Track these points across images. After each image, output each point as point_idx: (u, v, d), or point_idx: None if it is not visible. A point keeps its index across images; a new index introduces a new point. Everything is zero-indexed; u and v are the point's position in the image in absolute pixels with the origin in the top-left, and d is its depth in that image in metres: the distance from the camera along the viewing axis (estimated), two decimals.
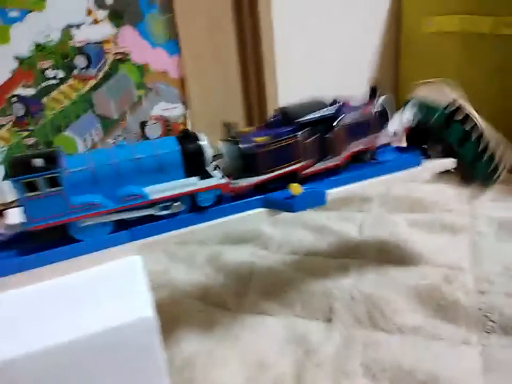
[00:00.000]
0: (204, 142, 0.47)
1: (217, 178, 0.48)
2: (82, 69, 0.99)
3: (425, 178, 0.58)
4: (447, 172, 0.61)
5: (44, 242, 0.43)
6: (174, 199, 0.46)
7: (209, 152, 0.47)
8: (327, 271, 0.71)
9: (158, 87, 1.10)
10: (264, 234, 0.83)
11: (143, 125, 1.08)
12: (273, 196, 0.49)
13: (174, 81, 1.12)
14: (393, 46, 1.40)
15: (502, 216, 0.82)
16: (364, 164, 0.57)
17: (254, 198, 0.50)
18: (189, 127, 1.13)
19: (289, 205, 0.48)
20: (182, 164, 0.46)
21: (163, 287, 0.69)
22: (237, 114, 1.21)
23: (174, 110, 1.12)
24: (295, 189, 0.48)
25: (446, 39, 1.21)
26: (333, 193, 0.53)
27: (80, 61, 0.99)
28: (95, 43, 0.99)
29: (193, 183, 0.47)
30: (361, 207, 0.90)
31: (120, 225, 0.45)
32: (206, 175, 0.47)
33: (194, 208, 0.48)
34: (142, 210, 0.45)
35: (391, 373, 0.54)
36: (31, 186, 0.40)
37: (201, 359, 0.56)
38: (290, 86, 1.25)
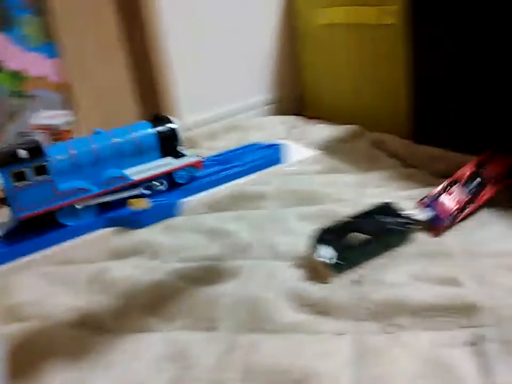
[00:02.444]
0: (176, 124, 0.52)
1: (190, 157, 0.52)
2: None
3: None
4: None
5: (34, 230, 0.45)
6: (154, 178, 0.49)
7: (181, 134, 0.52)
8: (216, 276, 0.70)
9: (38, 94, 1.03)
10: (154, 243, 0.80)
11: (22, 135, 1.00)
12: (118, 213, 0.47)
13: (56, 87, 1.05)
14: (292, 38, 1.42)
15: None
16: (224, 166, 0.57)
17: (98, 217, 0.47)
18: (79, 134, 1.07)
19: (135, 221, 0.46)
20: (158, 146, 0.50)
21: (35, 317, 0.64)
22: (132, 118, 1.16)
23: (58, 118, 1.05)
24: (139, 203, 0.46)
25: (336, 30, 1.25)
26: (192, 200, 0.52)
27: None
28: None
29: (170, 163, 0.51)
30: (255, 204, 0.91)
31: (103, 209, 0.48)
32: (179, 155, 0.52)
33: (173, 186, 0.51)
34: (126, 192, 0.48)
35: (268, 375, 0.54)
36: (20, 176, 0.42)
37: None
38: (187, 86, 1.22)
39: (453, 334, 0.57)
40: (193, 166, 0.52)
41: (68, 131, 1.05)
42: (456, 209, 0.75)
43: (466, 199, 0.76)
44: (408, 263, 0.70)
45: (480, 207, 0.79)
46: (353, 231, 0.69)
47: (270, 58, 1.41)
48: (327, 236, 0.68)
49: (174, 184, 0.51)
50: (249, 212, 0.88)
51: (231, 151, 0.62)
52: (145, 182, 0.49)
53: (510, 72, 0.81)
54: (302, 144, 1.16)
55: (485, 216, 0.79)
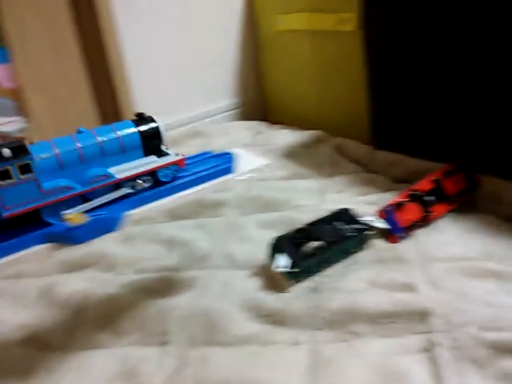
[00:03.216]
0: (158, 124, 0.53)
1: (173, 156, 0.53)
2: None
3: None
4: None
5: (19, 229, 0.45)
6: (138, 177, 0.50)
7: (164, 133, 0.53)
8: (172, 288, 0.68)
9: None
10: (109, 255, 0.78)
11: None
12: (54, 229, 0.45)
13: (8, 92, 1.01)
14: (255, 43, 1.41)
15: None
16: (172, 178, 0.55)
17: (33, 233, 0.45)
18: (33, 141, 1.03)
19: (71, 237, 0.45)
20: (141, 145, 0.51)
21: None
22: (89, 123, 1.13)
23: (10, 124, 1.01)
24: (76, 218, 0.44)
25: (296, 37, 1.25)
26: (135, 213, 0.50)
27: None
28: None
29: (153, 161, 0.52)
30: (215, 212, 0.89)
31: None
32: (163, 154, 0.53)
33: (156, 185, 0.52)
34: (112, 194, 0.49)
35: None
36: (4, 175, 0.42)
37: None
38: (148, 92, 1.20)
39: (406, 341, 0.57)
40: (176, 164, 0.53)
41: (21, 138, 1.02)
42: (413, 220, 0.76)
43: (423, 212, 0.77)
44: (364, 269, 0.70)
45: (436, 219, 0.80)
46: (310, 238, 0.69)
47: (233, 63, 1.40)
48: (283, 244, 0.68)
49: (158, 182, 0.53)
50: (209, 219, 0.87)
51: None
52: (129, 181, 0.50)
53: (466, 79, 0.82)
54: (265, 150, 1.16)
55: (440, 221, 0.80)
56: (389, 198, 0.81)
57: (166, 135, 0.54)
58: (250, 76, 1.43)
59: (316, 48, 1.20)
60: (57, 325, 0.63)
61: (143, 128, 0.51)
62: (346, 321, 0.60)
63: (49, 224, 0.47)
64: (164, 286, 0.69)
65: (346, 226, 0.72)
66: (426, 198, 0.78)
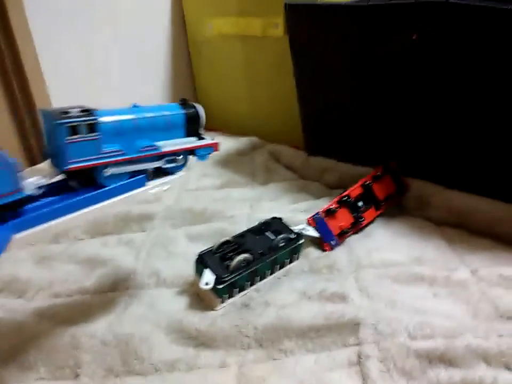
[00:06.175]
0: (200, 109, 0.59)
1: (209, 139, 0.59)
2: None
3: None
4: None
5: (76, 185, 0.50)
6: (177, 153, 0.56)
7: (204, 118, 0.59)
8: (87, 313, 0.62)
9: None
10: (21, 279, 0.70)
11: None
12: None
13: None
14: (185, 47, 1.37)
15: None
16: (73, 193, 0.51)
17: None
18: None
19: None
20: (184, 125, 0.57)
21: None
22: (6, 131, 1.03)
23: None
24: None
25: (227, 41, 1.22)
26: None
27: None
28: None
29: (193, 141, 0.58)
30: (142, 226, 0.84)
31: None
32: (200, 137, 0.59)
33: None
34: (152, 163, 0.54)
35: None
36: (74, 131, 0.46)
37: None
38: (73, 96, 1.12)
39: (337, 355, 0.55)
40: (211, 147, 0.59)
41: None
42: (344, 227, 0.75)
43: (354, 218, 0.76)
44: (296, 280, 0.68)
45: (367, 224, 0.80)
46: (239, 251, 0.65)
47: (164, 66, 1.35)
48: (209, 258, 0.64)
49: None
50: (135, 235, 0.81)
51: None
52: (170, 155, 0.55)
53: (387, 85, 0.83)
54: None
55: (370, 226, 0.80)
56: (322, 204, 0.80)
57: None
58: (182, 80, 1.39)
59: (246, 54, 1.18)
60: None
61: (187, 111, 0.57)
62: (276, 338, 0.57)
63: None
64: (79, 311, 0.62)
65: (278, 237, 0.69)
66: (356, 203, 0.78)
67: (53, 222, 0.48)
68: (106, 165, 0.50)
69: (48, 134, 0.49)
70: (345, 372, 0.53)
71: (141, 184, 0.53)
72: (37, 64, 1.02)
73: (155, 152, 0.54)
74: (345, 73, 0.88)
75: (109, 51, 1.20)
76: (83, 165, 0.48)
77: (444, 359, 0.52)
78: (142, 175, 0.54)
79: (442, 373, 0.50)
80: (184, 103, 0.58)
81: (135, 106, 0.56)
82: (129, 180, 0.53)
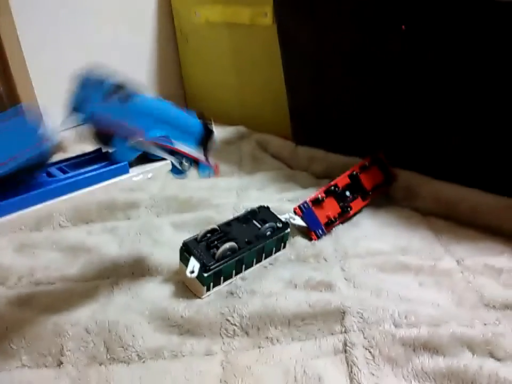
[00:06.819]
0: (213, 126, 0.61)
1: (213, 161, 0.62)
2: None
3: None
4: None
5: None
6: (185, 157, 0.58)
7: (215, 137, 0.61)
8: (68, 301, 0.61)
9: None
10: (1, 265, 0.69)
11: None
12: None
13: None
14: (173, 36, 1.34)
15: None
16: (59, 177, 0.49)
17: None
18: None
19: None
20: (198, 135, 0.60)
21: None
22: None
23: None
24: None
25: (215, 30, 1.20)
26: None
27: None
28: None
29: (201, 155, 0.60)
30: (127, 214, 0.83)
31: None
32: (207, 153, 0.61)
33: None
34: (164, 154, 0.56)
35: None
36: (115, 90, 0.51)
37: None
38: (55, 85, 1.09)
39: (323, 343, 0.55)
40: (212, 168, 0.62)
41: None
42: (331, 216, 0.75)
43: (341, 207, 0.76)
44: (283, 269, 0.67)
45: (354, 214, 0.79)
46: (225, 239, 0.65)
47: (151, 55, 1.32)
48: (195, 247, 0.63)
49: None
50: (120, 222, 0.80)
51: (77, 157, 0.54)
52: (178, 155, 0.57)
53: (377, 74, 0.82)
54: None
55: (357, 216, 0.80)
56: (309, 194, 0.80)
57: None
58: (169, 68, 1.36)
59: (234, 42, 1.16)
60: None
61: (204, 123, 0.60)
62: (262, 326, 0.57)
63: None
64: (62, 299, 0.61)
65: (265, 225, 0.68)
66: (343, 193, 0.78)
67: (34, 208, 0.47)
68: (126, 137, 0.52)
69: (83, 97, 0.51)
70: (331, 360, 0.53)
71: (124, 171, 0.52)
72: (22, 61, 1.00)
73: (167, 144, 0.55)
74: (333, 64, 0.87)
75: (94, 39, 1.17)
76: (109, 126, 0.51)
77: (429, 347, 0.52)
78: (125, 162, 0.53)
79: (427, 360, 0.51)
80: (201, 117, 0.61)
81: (161, 100, 0.58)
82: (111, 167, 0.51)
